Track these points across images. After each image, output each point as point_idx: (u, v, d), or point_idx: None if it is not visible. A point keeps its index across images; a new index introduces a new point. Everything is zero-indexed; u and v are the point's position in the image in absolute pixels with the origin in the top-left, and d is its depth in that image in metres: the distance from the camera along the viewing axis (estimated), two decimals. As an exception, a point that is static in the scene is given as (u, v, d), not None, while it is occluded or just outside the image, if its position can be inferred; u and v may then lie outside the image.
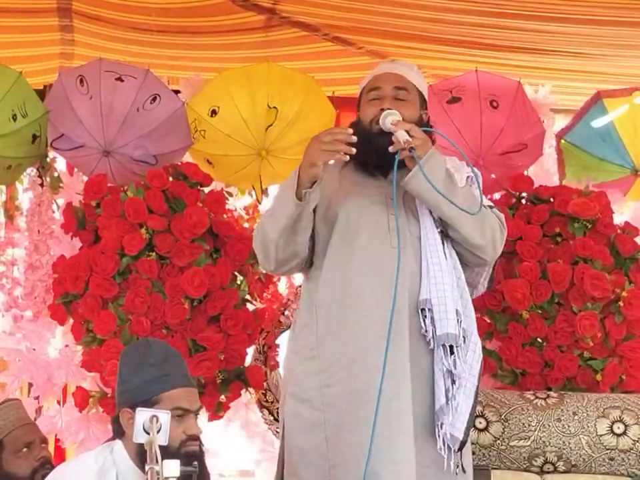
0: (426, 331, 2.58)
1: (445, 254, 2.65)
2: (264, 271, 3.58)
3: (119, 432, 2.46)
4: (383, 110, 2.68)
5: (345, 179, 2.74)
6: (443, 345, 2.59)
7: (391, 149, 2.58)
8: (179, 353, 2.67)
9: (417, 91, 2.81)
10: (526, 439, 3.49)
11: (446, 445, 2.56)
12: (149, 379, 2.42)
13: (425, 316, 2.58)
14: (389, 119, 2.62)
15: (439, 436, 2.56)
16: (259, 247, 2.67)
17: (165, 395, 2.40)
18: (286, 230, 2.56)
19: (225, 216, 3.75)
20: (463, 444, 2.59)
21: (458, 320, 2.61)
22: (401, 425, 2.52)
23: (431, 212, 2.67)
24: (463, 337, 2.61)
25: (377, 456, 2.46)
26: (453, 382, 2.59)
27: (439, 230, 2.67)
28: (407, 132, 2.55)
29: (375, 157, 2.69)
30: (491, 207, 2.79)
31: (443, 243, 2.66)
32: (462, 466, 2.63)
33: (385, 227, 2.64)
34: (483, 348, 3.84)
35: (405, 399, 2.54)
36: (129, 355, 2.54)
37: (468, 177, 2.77)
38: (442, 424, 2.56)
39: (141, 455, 2.37)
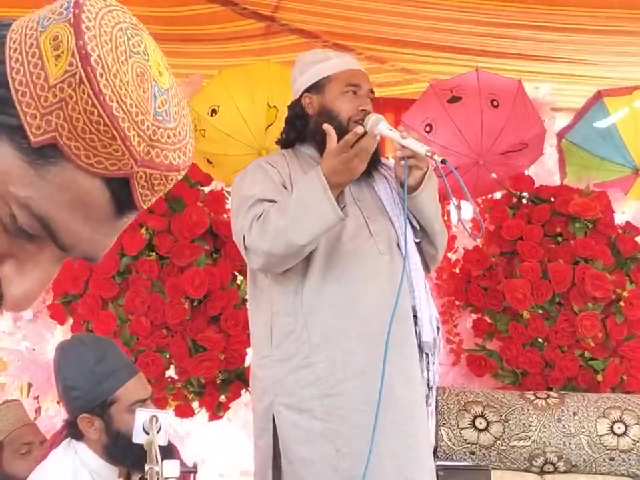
0: (417, 337, 2.58)
1: (422, 263, 2.66)
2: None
3: (78, 435, 2.43)
4: (364, 111, 2.62)
5: None
6: (424, 352, 2.59)
7: (398, 154, 2.53)
8: (111, 340, 2.63)
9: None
10: (526, 439, 3.49)
11: None
12: (97, 380, 2.37)
13: (415, 323, 2.58)
14: (383, 125, 2.54)
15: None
16: (278, 251, 2.47)
17: (119, 393, 2.37)
18: (318, 238, 2.48)
19: (224, 216, 3.74)
20: (434, 449, 2.61)
21: (437, 327, 2.62)
22: (424, 432, 2.52)
23: (409, 221, 2.64)
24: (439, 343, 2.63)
25: (410, 466, 2.46)
26: (430, 388, 2.60)
27: (417, 241, 2.66)
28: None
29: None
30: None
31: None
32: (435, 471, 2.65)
33: (366, 231, 2.61)
34: (484, 348, 3.86)
35: (423, 406, 2.54)
36: (67, 358, 2.44)
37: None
38: None
39: (110, 453, 2.37)
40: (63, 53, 0.73)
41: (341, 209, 2.45)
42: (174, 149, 0.79)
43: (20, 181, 0.75)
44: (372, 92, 2.72)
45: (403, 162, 2.52)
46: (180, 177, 0.81)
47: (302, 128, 2.74)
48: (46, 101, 0.73)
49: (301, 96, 2.74)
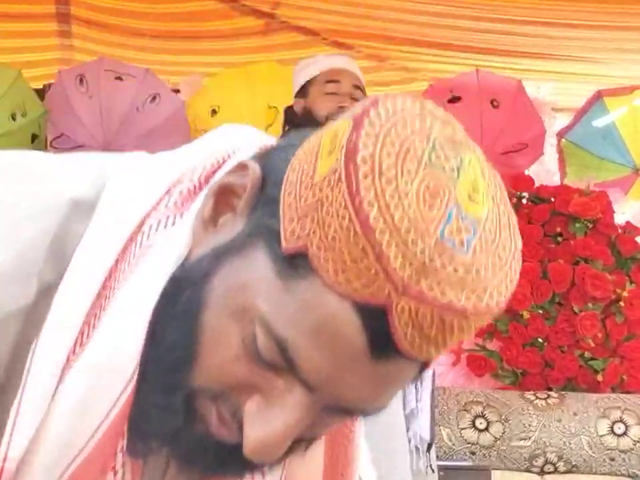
0: None
1: None
2: None
3: None
4: (342, 108, 2.61)
5: None
6: None
7: None
8: None
9: (364, 92, 2.76)
10: (526, 439, 3.49)
11: (414, 446, 2.54)
12: None
13: None
14: None
15: (409, 440, 2.53)
16: None
17: None
18: None
19: (224, 216, 3.74)
20: (430, 445, 2.59)
21: None
22: (403, 433, 2.51)
23: None
24: None
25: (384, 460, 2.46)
26: (421, 383, 2.58)
27: None
28: None
29: None
30: None
31: None
32: (431, 466, 2.62)
33: None
34: (484, 348, 3.86)
35: (400, 408, 2.53)
36: None
37: None
38: (408, 428, 2.54)
39: None
40: (335, 148, 0.63)
41: None
42: (461, 286, 0.61)
43: (266, 294, 0.64)
44: (358, 88, 2.70)
45: None
46: (470, 324, 0.63)
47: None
48: (305, 201, 0.63)
49: (295, 101, 2.79)
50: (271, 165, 0.69)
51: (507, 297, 0.64)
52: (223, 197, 0.69)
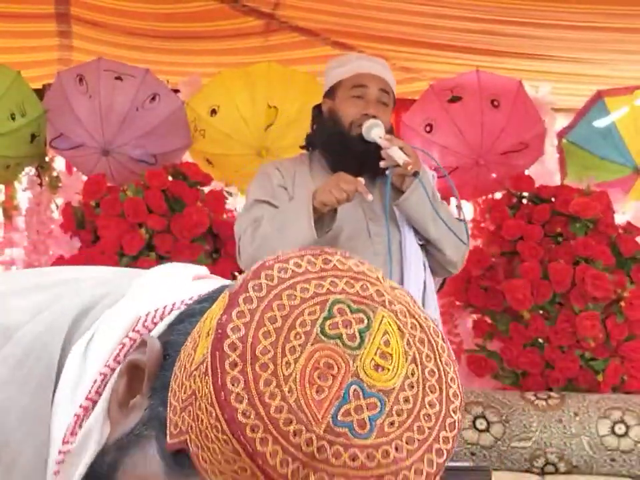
0: None
1: (424, 265, 2.66)
2: None
3: None
4: (366, 115, 2.63)
5: (317, 182, 2.68)
6: None
7: (382, 164, 2.55)
8: None
9: (393, 95, 2.80)
10: (527, 439, 3.48)
11: None
12: None
13: None
14: (376, 132, 2.57)
15: None
16: (260, 256, 2.61)
17: None
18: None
19: (224, 216, 3.74)
20: None
21: None
22: None
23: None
24: None
25: None
26: None
27: (420, 243, 2.67)
28: (401, 149, 2.52)
29: (353, 163, 2.64)
30: (459, 220, 2.78)
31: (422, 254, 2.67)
32: None
33: (365, 232, 2.63)
34: (484, 349, 3.85)
35: None
36: None
37: (432, 175, 2.79)
38: None
39: None
40: (210, 330, 0.56)
41: (327, 232, 2.51)
42: (362, 475, 0.53)
43: None
44: (385, 91, 2.73)
45: (387, 171, 2.55)
46: None
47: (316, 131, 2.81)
48: (185, 392, 0.57)
49: (323, 100, 2.82)
50: (172, 340, 0.62)
51: (435, 475, 0.55)
52: (133, 375, 0.63)
